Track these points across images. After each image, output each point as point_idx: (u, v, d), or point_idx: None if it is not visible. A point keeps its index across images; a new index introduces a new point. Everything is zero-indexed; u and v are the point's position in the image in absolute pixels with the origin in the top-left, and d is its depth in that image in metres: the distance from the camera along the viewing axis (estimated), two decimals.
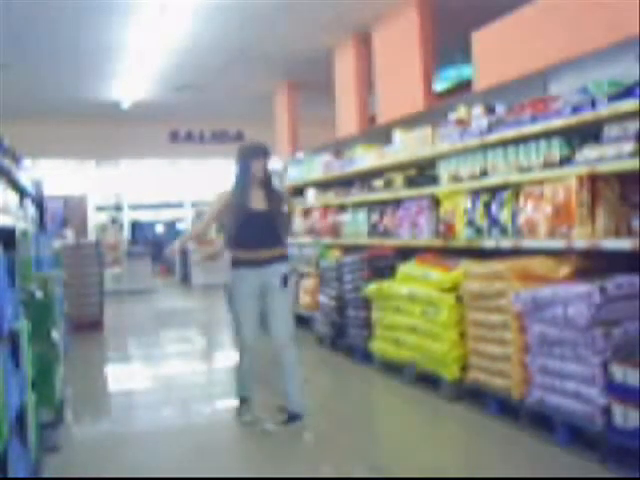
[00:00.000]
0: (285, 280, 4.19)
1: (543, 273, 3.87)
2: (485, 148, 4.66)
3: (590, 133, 3.85)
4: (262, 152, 4.24)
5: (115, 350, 7.67)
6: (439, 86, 8.44)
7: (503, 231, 4.38)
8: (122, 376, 6.37)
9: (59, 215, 13.87)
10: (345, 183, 7.20)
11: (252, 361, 4.26)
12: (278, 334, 4.17)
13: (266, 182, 4.26)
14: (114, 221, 15.46)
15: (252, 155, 4.21)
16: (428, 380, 4.75)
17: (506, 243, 4.31)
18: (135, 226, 18.20)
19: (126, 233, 16.87)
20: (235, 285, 4.19)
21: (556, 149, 3.99)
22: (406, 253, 5.48)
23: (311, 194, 8.13)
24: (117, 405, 5.27)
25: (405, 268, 5.18)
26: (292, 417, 4.11)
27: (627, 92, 3.51)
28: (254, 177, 4.20)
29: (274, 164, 4.57)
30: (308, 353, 6.19)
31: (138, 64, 10.08)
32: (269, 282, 4.16)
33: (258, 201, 4.21)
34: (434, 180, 5.32)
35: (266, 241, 4.18)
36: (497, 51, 6.03)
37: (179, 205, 17.97)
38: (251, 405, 4.32)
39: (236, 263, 4.20)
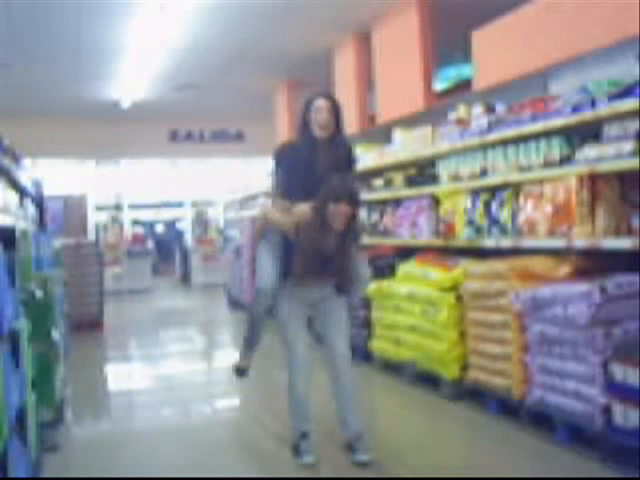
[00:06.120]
0: (340, 287, 3.58)
1: (543, 272, 3.87)
2: (485, 147, 4.66)
3: (590, 132, 3.85)
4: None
5: (115, 350, 7.67)
6: (439, 86, 8.43)
7: (503, 231, 4.38)
8: (122, 376, 6.37)
9: (59, 215, 13.89)
10: None
11: (308, 383, 3.59)
12: (337, 348, 3.60)
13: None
14: (114, 221, 15.49)
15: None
16: (428, 379, 4.75)
17: (506, 243, 4.31)
18: (135, 226, 18.23)
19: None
20: (281, 297, 3.58)
21: (556, 148, 3.99)
22: (406, 252, 5.47)
23: None
24: (117, 405, 5.27)
25: (405, 267, 5.18)
26: (357, 435, 3.53)
27: (627, 91, 3.51)
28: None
29: None
30: None
31: (138, 64, 10.08)
32: (319, 293, 3.60)
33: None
34: (434, 180, 5.32)
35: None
36: (497, 51, 6.03)
37: (179, 205, 17.99)
38: (312, 441, 3.57)
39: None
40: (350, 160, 3.73)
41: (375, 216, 6.27)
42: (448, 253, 4.98)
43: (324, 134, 3.55)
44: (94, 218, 16.20)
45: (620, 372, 3.13)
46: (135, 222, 17.99)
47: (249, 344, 3.79)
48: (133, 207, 17.43)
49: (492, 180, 4.53)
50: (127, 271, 13.82)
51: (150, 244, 15.88)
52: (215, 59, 10.03)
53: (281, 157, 3.65)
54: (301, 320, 3.62)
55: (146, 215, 18.48)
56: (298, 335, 3.58)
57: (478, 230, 4.62)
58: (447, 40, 8.00)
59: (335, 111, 3.57)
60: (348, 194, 3.37)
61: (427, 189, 5.36)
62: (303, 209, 3.46)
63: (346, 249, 3.45)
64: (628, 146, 3.44)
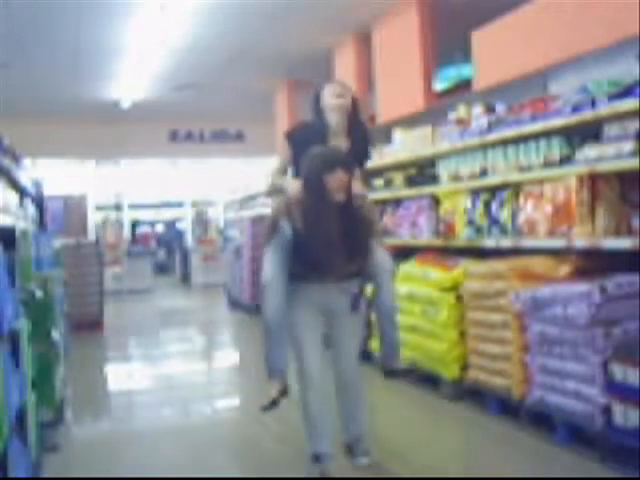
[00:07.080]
0: (356, 301, 3.31)
1: (543, 272, 3.87)
2: (485, 147, 4.66)
3: (590, 132, 3.85)
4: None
5: (115, 350, 7.67)
6: (439, 86, 8.43)
7: (503, 230, 4.38)
8: (122, 376, 6.37)
9: (59, 215, 13.90)
10: None
11: (323, 401, 3.25)
12: (346, 360, 3.37)
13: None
14: (114, 222, 15.51)
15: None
16: (428, 379, 4.74)
17: (506, 242, 4.31)
18: (135, 226, 18.24)
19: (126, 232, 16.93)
20: (294, 304, 3.23)
21: (556, 148, 3.99)
22: (406, 252, 5.47)
23: None
24: (117, 405, 5.27)
25: (405, 268, 5.17)
26: (357, 438, 3.40)
27: (627, 91, 3.51)
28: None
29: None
30: None
31: (138, 64, 10.08)
32: (335, 303, 3.29)
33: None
34: (434, 179, 5.32)
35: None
36: (497, 50, 6.03)
37: (179, 205, 17.99)
38: (330, 465, 3.24)
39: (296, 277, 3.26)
40: (366, 143, 3.61)
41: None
42: (448, 253, 4.98)
43: (342, 118, 3.47)
44: (94, 218, 16.21)
45: (620, 372, 3.13)
46: (137, 222, 18.03)
47: (269, 363, 3.18)
48: (133, 207, 17.43)
49: (492, 180, 4.53)
50: (127, 271, 13.83)
51: (153, 244, 15.90)
52: (215, 59, 10.03)
53: (295, 135, 3.53)
54: (316, 333, 3.27)
55: (146, 215, 18.50)
56: (311, 351, 3.22)
57: (478, 230, 4.62)
58: (447, 40, 8.00)
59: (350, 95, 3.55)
60: (341, 160, 3.14)
61: (427, 189, 5.36)
62: (295, 186, 3.26)
63: (356, 230, 3.16)
64: (628, 146, 3.44)
